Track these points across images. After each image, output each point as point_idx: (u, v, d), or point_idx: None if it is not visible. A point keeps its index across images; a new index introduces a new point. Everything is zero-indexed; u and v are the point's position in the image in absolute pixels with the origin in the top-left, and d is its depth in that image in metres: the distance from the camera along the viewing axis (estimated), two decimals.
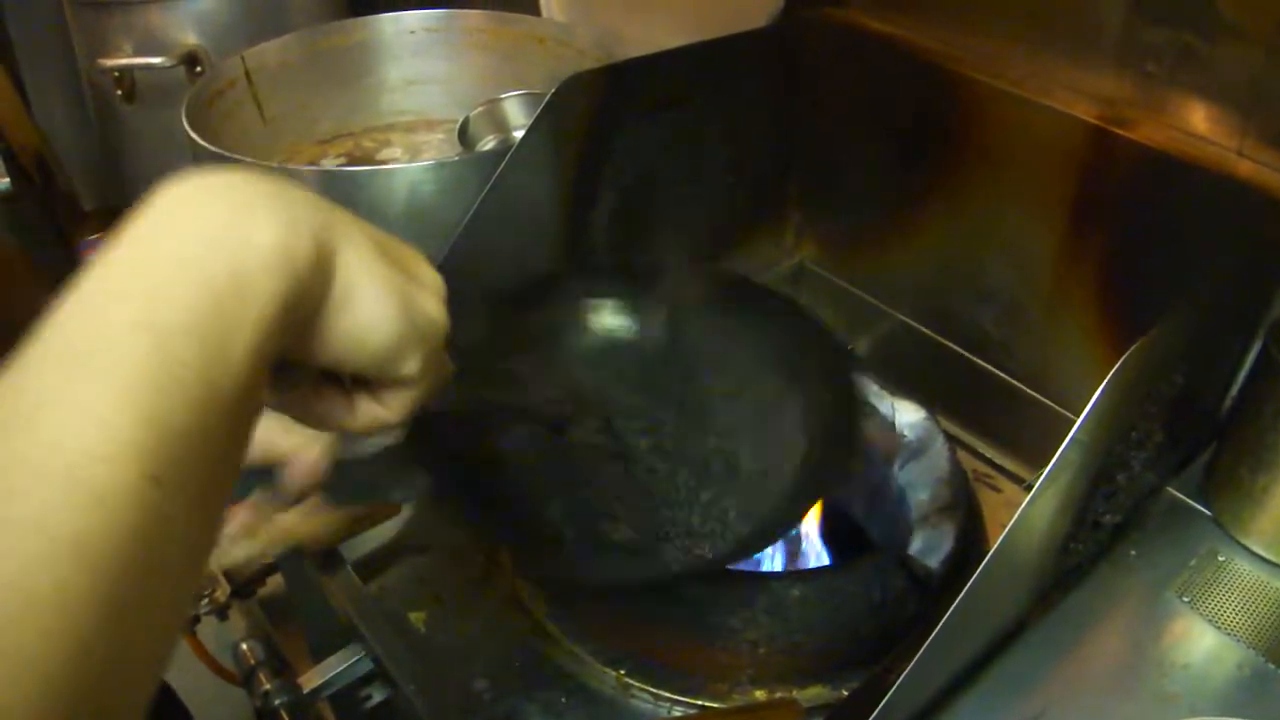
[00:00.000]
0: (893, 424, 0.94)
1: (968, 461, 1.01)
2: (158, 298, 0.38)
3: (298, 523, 0.76)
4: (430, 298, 0.51)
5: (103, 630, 0.33)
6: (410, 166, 1.06)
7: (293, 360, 0.47)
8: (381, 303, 0.47)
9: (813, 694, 0.77)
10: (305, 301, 0.43)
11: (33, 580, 0.31)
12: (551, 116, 0.92)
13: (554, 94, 0.91)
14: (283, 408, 0.53)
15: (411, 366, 0.51)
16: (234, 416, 0.39)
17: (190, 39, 1.50)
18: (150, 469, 0.35)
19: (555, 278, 0.94)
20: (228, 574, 1.00)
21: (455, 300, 0.54)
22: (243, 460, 0.43)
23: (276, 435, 0.65)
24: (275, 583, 1.13)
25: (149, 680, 0.36)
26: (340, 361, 0.48)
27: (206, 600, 1.06)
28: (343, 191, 1.05)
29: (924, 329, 1.10)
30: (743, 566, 0.88)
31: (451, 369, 0.59)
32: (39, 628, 0.31)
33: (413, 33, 1.45)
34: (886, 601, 0.77)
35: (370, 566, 0.87)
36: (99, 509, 0.33)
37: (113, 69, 1.52)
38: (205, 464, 0.38)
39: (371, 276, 0.47)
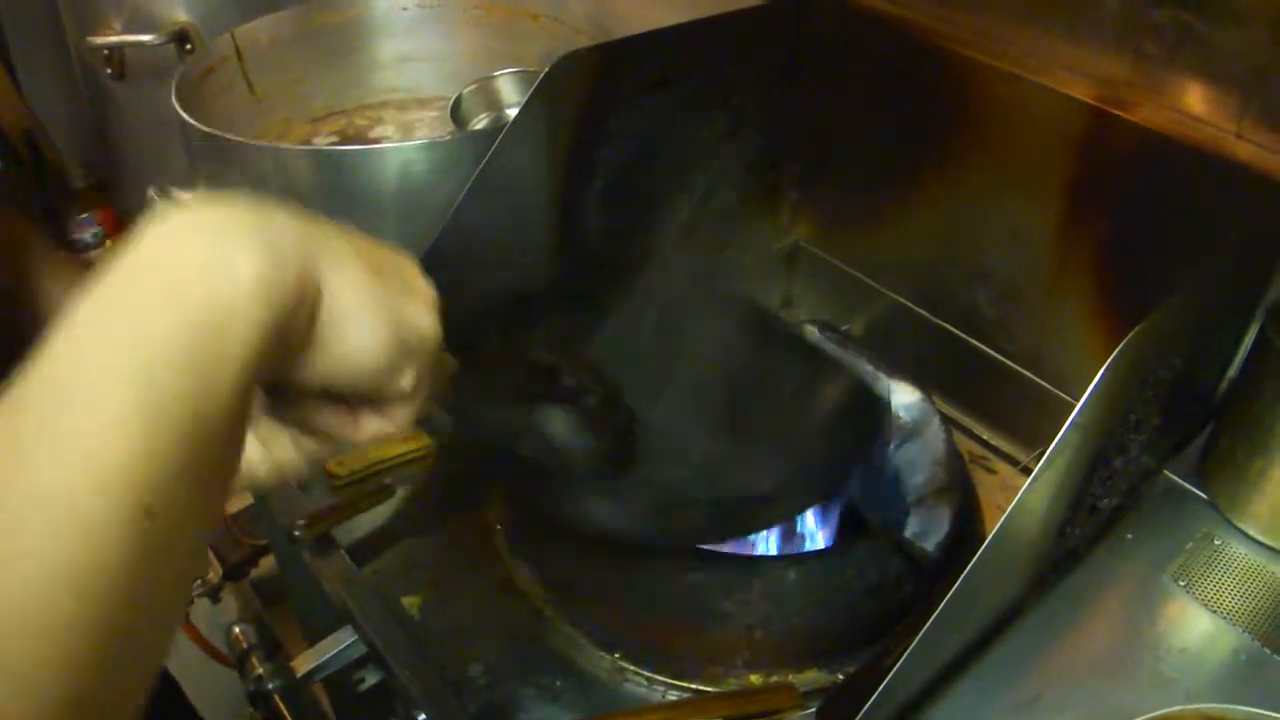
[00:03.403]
0: (888, 405, 0.94)
1: (963, 443, 1.01)
2: (143, 333, 0.39)
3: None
4: (421, 309, 0.51)
5: (95, 655, 0.34)
6: (402, 145, 1.06)
7: (287, 382, 0.47)
8: (369, 324, 0.47)
9: (809, 678, 0.77)
10: (291, 328, 0.44)
11: (27, 611, 0.33)
12: (545, 95, 0.91)
13: (548, 72, 0.90)
14: (287, 425, 0.54)
15: (405, 381, 0.51)
16: (221, 444, 0.40)
17: (180, 16, 1.49)
18: (144, 500, 0.36)
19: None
20: (220, 557, 1.00)
21: (456, 293, 0.54)
22: (230, 484, 0.44)
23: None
24: (268, 564, 1.13)
25: (140, 692, 0.38)
26: (331, 382, 0.48)
27: (199, 583, 1.06)
28: (334, 171, 1.04)
29: (920, 310, 1.10)
30: (737, 550, 0.88)
31: (453, 366, 0.59)
32: (32, 655, 0.33)
33: (405, 9, 1.43)
34: (883, 584, 0.77)
35: (364, 551, 0.87)
36: (93, 541, 0.35)
37: (103, 47, 1.51)
38: (195, 491, 0.39)
39: (359, 299, 0.47)
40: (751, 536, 0.90)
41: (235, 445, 0.43)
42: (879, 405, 0.93)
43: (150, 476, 0.36)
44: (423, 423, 0.58)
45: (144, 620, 0.37)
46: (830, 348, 0.99)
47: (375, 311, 0.48)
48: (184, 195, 0.46)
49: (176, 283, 0.40)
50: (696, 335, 0.92)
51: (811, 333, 1.00)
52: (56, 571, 0.34)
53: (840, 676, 0.77)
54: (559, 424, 0.80)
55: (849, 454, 0.89)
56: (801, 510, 0.86)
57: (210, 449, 0.39)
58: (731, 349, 0.92)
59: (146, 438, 0.37)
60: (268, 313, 0.41)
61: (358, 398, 0.53)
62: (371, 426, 0.55)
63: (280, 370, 0.46)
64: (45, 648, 0.33)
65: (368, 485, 0.91)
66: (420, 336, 0.51)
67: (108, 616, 0.35)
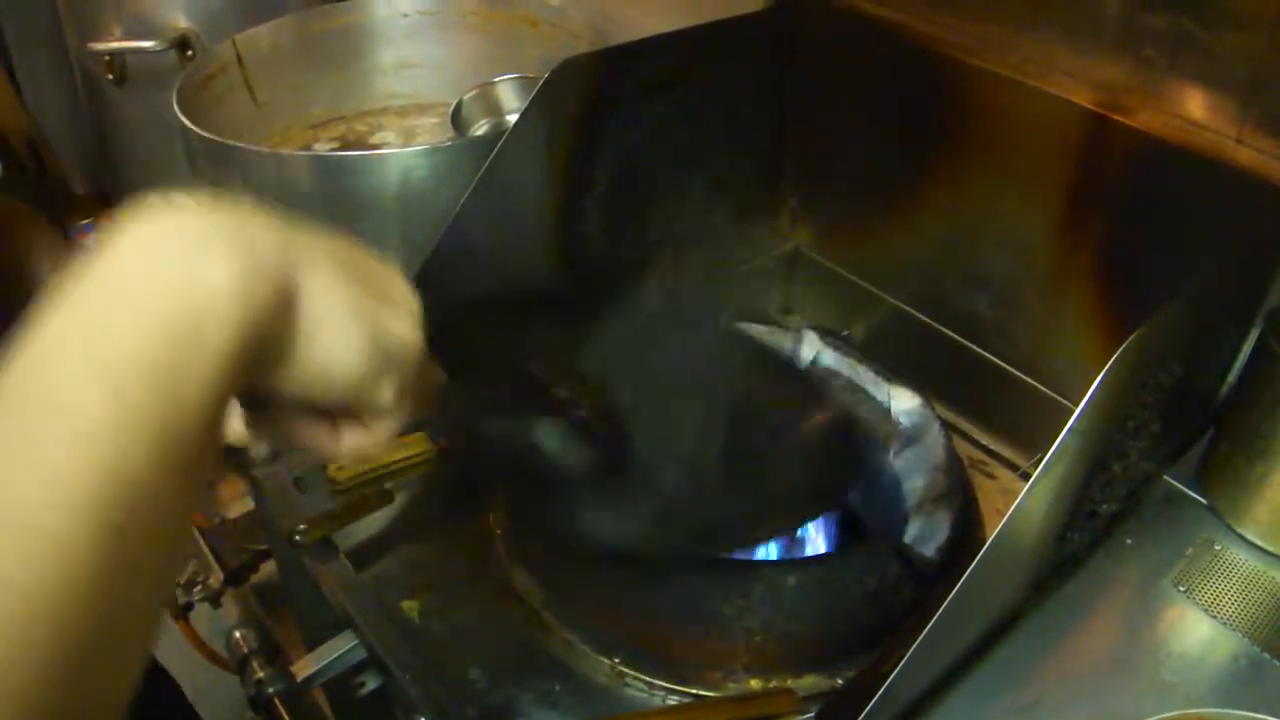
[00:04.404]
0: (888, 411, 0.94)
1: (963, 448, 1.01)
2: (112, 345, 0.38)
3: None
4: (402, 319, 0.50)
5: (68, 675, 0.34)
6: (403, 151, 1.06)
7: (264, 393, 0.46)
8: (347, 334, 0.46)
9: (808, 683, 0.77)
10: (266, 338, 0.43)
11: None
12: (545, 100, 0.91)
13: (547, 78, 0.90)
14: (266, 438, 0.52)
15: (385, 394, 0.50)
16: (191, 455, 0.39)
17: (181, 22, 1.49)
18: (113, 518, 0.35)
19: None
20: (220, 562, 1.00)
21: (456, 294, 0.53)
22: (202, 492, 0.44)
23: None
24: (268, 569, 1.13)
25: (117, 703, 0.38)
26: (309, 394, 0.47)
27: (200, 587, 1.06)
28: (335, 177, 1.05)
29: (920, 315, 1.10)
30: (737, 555, 0.88)
31: (441, 379, 0.58)
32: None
33: (405, 16, 1.44)
34: (882, 590, 0.77)
35: (364, 555, 0.87)
36: (60, 561, 0.34)
37: (103, 53, 1.51)
38: (165, 504, 0.38)
39: (337, 308, 0.46)
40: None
41: (206, 458, 0.41)
42: (866, 432, 0.93)
43: (119, 494, 0.36)
44: (415, 428, 0.57)
45: (115, 636, 0.37)
46: (828, 361, 0.99)
47: (353, 321, 0.46)
48: (165, 196, 0.44)
49: (149, 294, 0.39)
50: (691, 346, 0.92)
51: (811, 339, 1.01)
52: (23, 591, 0.33)
53: (839, 681, 0.77)
54: (550, 436, 0.79)
55: (843, 471, 0.89)
56: (797, 527, 0.87)
57: (181, 463, 0.38)
58: (725, 363, 0.92)
59: (116, 455, 0.36)
60: (242, 324, 0.41)
61: (337, 409, 0.52)
62: (352, 439, 0.53)
63: (257, 381, 0.44)
64: (12, 672, 0.32)
65: (368, 490, 0.91)
66: (401, 347, 0.50)
67: (77, 635, 0.34)
